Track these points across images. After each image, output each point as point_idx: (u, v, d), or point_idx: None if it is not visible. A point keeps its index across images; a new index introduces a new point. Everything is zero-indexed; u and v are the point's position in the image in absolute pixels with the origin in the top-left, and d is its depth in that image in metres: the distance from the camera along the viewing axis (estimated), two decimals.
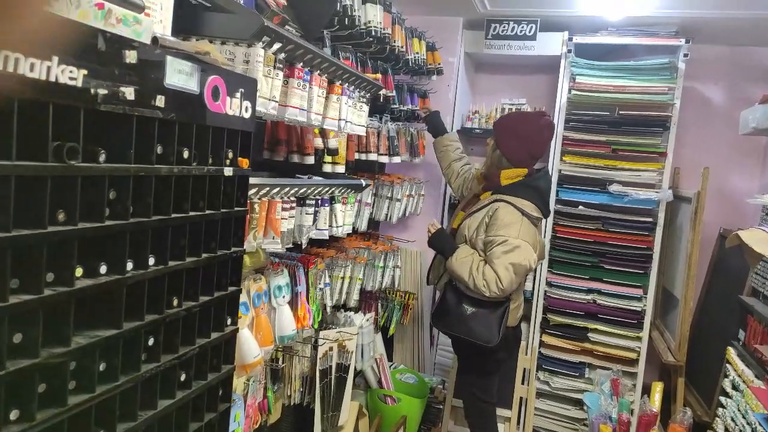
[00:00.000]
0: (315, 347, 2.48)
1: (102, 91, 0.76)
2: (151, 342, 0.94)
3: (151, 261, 0.91)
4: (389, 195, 2.99)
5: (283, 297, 1.69)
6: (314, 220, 1.69)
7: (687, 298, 3.08)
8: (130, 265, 0.87)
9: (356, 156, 2.64)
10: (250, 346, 1.46)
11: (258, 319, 1.56)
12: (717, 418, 2.42)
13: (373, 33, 2.37)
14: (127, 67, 0.81)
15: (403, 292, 3.49)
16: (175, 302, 0.98)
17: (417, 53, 2.98)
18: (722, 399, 2.43)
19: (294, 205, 1.53)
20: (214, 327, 1.11)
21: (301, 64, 1.44)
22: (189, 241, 1.00)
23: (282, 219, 1.46)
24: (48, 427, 0.75)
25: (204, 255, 1.05)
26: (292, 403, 2.45)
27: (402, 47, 2.73)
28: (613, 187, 3.33)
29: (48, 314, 0.74)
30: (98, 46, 0.75)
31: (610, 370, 3.33)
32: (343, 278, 2.58)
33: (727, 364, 2.54)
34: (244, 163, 1.12)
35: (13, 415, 0.72)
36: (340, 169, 2.37)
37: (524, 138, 2.37)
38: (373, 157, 2.72)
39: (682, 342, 3.09)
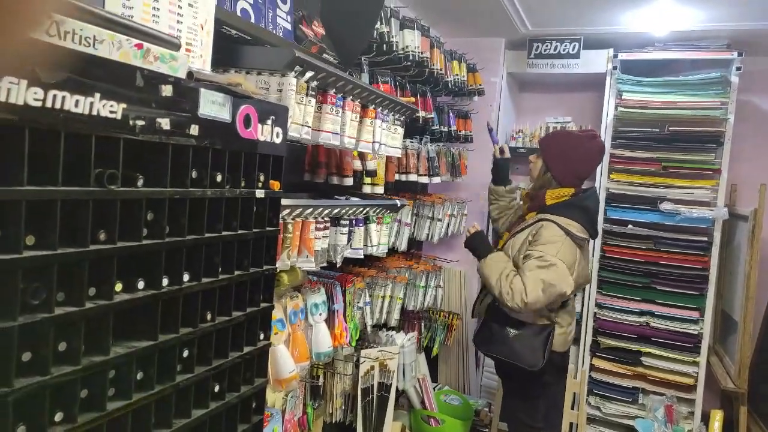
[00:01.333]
0: (357, 365, 2.51)
1: (140, 122, 0.84)
2: (185, 354, 1.00)
3: (186, 277, 0.98)
4: (430, 215, 3.01)
5: (320, 315, 1.74)
6: (348, 240, 1.74)
7: (746, 320, 2.92)
8: (165, 281, 0.94)
9: (396, 177, 2.69)
10: (286, 362, 1.51)
11: (294, 336, 1.62)
12: None
13: (411, 57, 2.44)
14: (164, 99, 0.89)
15: (446, 312, 3.48)
16: (209, 317, 1.05)
17: (457, 75, 3.02)
18: None
19: (328, 225, 1.59)
20: (247, 341, 1.17)
21: (334, 90, 1.51)
22: (222, 259, 1.07)
23: (315, 239, 1.52)
24: (88, 429, 0.82)
25: (237, 272, 1.11)
26: (333, 421, 2.49)
27: (441, 70, 2.78)
28: (664, 205, 3.23)
29: (89, 325, 0.82)
30: (136, 83, 0.83)
31: (664, 396, 3.20)
32: (383, 297, 2.62)
33: None
34: (276, 185, 1.18)
35: (58, 417, 0.79)
36: (379, 190, 2.43)
37: (574, 159, 2.32)
38: (413, 177, 2.76)
39: (742, 368, 2.93)
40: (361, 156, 2.27)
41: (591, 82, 3.66)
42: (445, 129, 3.06)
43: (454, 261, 3.53)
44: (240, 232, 1.11)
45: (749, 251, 2.93)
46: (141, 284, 0.90)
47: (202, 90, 0.96)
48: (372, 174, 2.29)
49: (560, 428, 3.09)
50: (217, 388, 1.09)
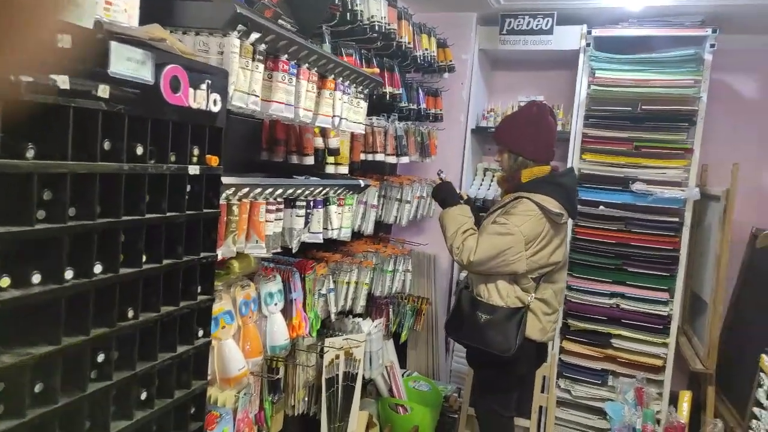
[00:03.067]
0: (321, 355, 2.39)
1: (26, 79, 0.68)
2: (101, 358, 0.85)
3: (98, 269, 0.82)
4: (398, 197, 2.88)
5: (275, 305, 1.60)
6: (306, 223, 1.59)
7: (716, 302, 2.89)
8: (69, 274, 0.78)
9: (362, 156, 2.54)
10: (235, 358, 1.37)
11: (245, 329, 1.47)
12: (750, 431, 2.25)
13: (377, 28, 2.28)
14: (61, 52, 0.72)
15: (416, 297, 3.37)
16: (131, 314, 0.89)
17: (426, 50, 2.87)
18: (756, 410, 2.25)
19: (281, 207, 1.44)
20: (181, 340, 1.02)
21: (286, 56, 1.35)
22: (147, 246, 0.91)
23: (267, 221, 1.37)
24: None
25: (166, 261, 0.96)
26: (296, 413, 2.36)
27: (409, 43, 2.62)
28: (637, 186, 3.17)
29: None
30: None
31: (634, 378, 3.17)
32: (348, 283, 2.48)
33: (761, 373, 2.35)
34: (213, 160, 1.03)
35: None
36: (344, 170, 2.28)
37: (533, 132, 2.26)
38: (379, 157, 2.62)
39: (711, 349, 2.90)
40: (324, 133, 2.11)
41: (564, 59, 3.56)
42: (414, 107, 2.91)
43: (423, 244, 3.42)
44: (169, 214, 0.95)
45: (720, 232, 2.89)
46: (36, 278, 0.74)
47: (114, 44, 0.80)
48: (335, 153, 2.14)
49: (530, 412, 3.05)
50: (144, 395, 0.94)
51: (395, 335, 3.33)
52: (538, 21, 3.39)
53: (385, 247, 2.91)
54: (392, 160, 2.72)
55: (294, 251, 1.59)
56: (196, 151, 0.99)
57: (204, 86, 0.98)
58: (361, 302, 2.54)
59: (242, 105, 1.19)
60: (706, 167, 3.41)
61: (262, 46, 1.24)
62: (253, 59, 1.21)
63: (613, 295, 3.29)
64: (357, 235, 2.61)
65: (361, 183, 1.92)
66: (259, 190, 1.30)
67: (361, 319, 2.70)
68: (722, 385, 3.10)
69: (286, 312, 1.70)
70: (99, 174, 0.80)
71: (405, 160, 2.81)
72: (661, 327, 3.20)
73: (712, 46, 3.05)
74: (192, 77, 0.96)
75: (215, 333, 1.34)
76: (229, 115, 1.79)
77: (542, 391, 3.18)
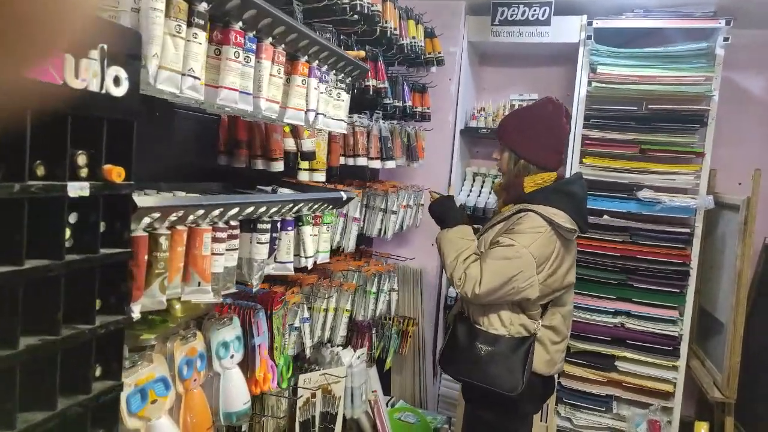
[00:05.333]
0: (293, 393, 2.01)
1: None
2: None
3: None
4: (383, 206, 2.51)
5: (231, 357, 1.21)
6: (271, 251, 1.20)
7: (737, 323, 2.60)
8: None
9: (342, 161, 2.17)
10: None
11: (188, 397, 1.08)
12: None
13: (359, 9, 1.90)
14: None
15: (401, 318, 3.01)
16: None
17: (414, 38, 2.51)
18: None
19: (236, 232, 1.05)
20: None
21: (241, 24, 0.97)
22: None
23: (215, 255, 0.98)
24: None
25: (26, 344, 0.57)
26: None
27: (395, 29, 2.26)
28: (643, 193, 2.89)
29: None
30: None
31: (647, 409, 2.87)
32: (326, 310, 2.11)
33: None
34: (116, 173, 0.64)
35: None
36: (320, 177, 1.91)
37: (543, 134, 1.93)
38: (361, 161, 2.25)
39: (732, 376, 2.61)
40: (295, 133, 1.73)
41: (561, 54, 3.26)
42: (400, 104, 2.55)
43: (410, 258, 3.05)
44: (30, 265, 0.56)
45: (740, 245, 2.60)
46: None
47: None
48: (310, 157, 1.76)
49: None
50: None
51: (378, 360, 2.97)
52: (534, 10, 3.08)
53: (368, 264, 2.54)
54: (376, 164, 2.35)
55: (254, 290, 1.20)
56: (83, 160, 0.61)
57: (95, 55, 0.60)
58: (341, 332, 2.17)
59: (172, 89, 0.81)
60: (715, 173, 3.13)
61: (203, 5, 0.85)
62: (189, 24, 0.83)
63: (617, 313, 3.00)
64: (335, 251, 2.24)
65: (343, 195, 1.54)
66: (201, 212, 0.91)
67: (341, 348, 2.32)
68: (739, 414, 2.81)
69: (247, 363, 1.32)
70: None
71: (391, 164, 2.44)
72: (670, 348, 2.92)
73: (726, 39, 2.78)
74: None
75: (140, 411, 0.95)
76: (174, 108, 1.40)
77: (541, 420, 2.87)
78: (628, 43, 3.01)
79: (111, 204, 0.67)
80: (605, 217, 3.00)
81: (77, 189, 0.60)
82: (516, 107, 3.34)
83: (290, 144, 1.72)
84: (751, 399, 2.79)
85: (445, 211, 2.00)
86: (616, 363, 2.99)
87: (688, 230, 2.89)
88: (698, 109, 2.87)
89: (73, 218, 0.63)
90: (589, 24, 2.99)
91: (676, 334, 2.90)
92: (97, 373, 0.68)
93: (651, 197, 2.87)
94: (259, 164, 1.64)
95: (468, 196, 3.35)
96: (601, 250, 2.98)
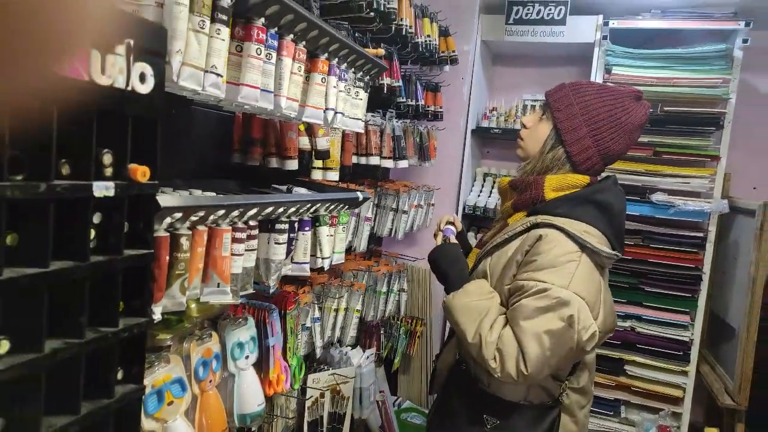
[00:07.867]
0: (302, 393, 1.99)
1: None
2: None
3: None
4: (394, 206, 2.49)
5: (246, 358, 1.20)
6: (289, 252, 1.18)
7: (750, 329, 2.57)
8: None
9: (354, 160, 2.15)
10: None
11: (204, 398, 1.07)
12: None
13: (375, 6, 1.88)
14: None
15: (409, 318, 2.99)
16: None
17: (428, 37, 2.48)
18: None
19: (255, 232, 1.03)
20: None
21: (263, 21, 0.95)
22: (13, 327, 0.51)
23: (234, 255, 0.96)
24: None
25: (51, 347, 0.55)
26: None
27: (411, 27, 2.24)
28: (657, 196, 2.85)
29: None
30: None
31: (657, 415, 2.85)
32: (336, 310, 2.09)
33: None
34: (140, 173, 0.63)
35: None
36: (333, 176, 1.88)
37: (606, 128, 1.36)
38: (374, 161, 2.22)
39: (744, 382, 2.58)
40: (310, 131, 1.71)
41: (576, 54, 3.22)
42: (413, 103, 2.53)
43: (420, 258, 3.03)
44: (56, 267, 0.55)
45: (756, 251, 2.56)
46: None
47: None
48: (324, 156, 1.74)
49: None
50: None
51: (386, 361, 2.95)
52: (550, 9, 3.04)
53: (378, 264, 2.52)
54: (389, 164, 2.33)
55: (271, 291, 1.18)
56: (108, 159, 0.59)
57: (121, 50, 0.58)
58: (351, 332, 2.15)
59: (195, 87, 0.79)
60: (729, 176, 3.10)
61: (227, 1, 0.83)
62: (213, 20, 0.81)
63: (627, 317, 2.97)
64: (346, 250, 2.23)
65: (360, 196, 1.52)
66: (221, 212, 0.90)
67: (350, 348, 2.31)
68: (750, 421, 2.78)
69: (261, 363, 1.30)
70: None
71: (404, 164, 2.42)
72: (680, 353, 2.89)
73: (745, 41, 2.74)
74: None
75: (157, 413, 0.94)
76: (190, 106, 1.38)
77: None
78: (644, 44, 2.96)
79: (134, 204, 0.65)
80: None
81: (102, 189, 0.58)
82: (528, 108, 3.32)
83: (305, 142, 1.70)
84: (763, 405, 2.76)
85: (449, 264, 1.44)
86: (626, 367, 2.96)
87: (701, 234, 2.86)
88: (714, 112, 2.82)
89: (97, 218, 0.61)
90: (605, 24, 2.95)
91: (687, 339, 2.87)
92: (119, 376, 0.67)
93: (664, 200, 2.84)
94: (274, 162, 1.62)
95: (479, 196, 3.33)
96: None
